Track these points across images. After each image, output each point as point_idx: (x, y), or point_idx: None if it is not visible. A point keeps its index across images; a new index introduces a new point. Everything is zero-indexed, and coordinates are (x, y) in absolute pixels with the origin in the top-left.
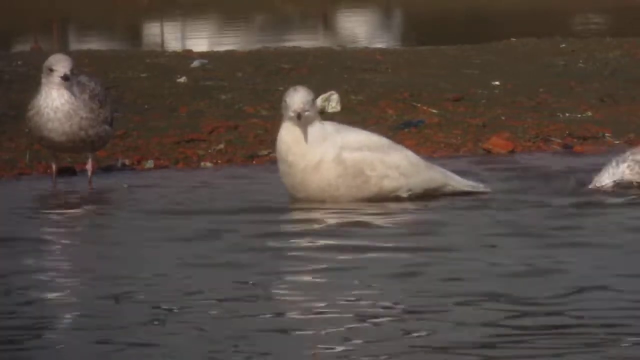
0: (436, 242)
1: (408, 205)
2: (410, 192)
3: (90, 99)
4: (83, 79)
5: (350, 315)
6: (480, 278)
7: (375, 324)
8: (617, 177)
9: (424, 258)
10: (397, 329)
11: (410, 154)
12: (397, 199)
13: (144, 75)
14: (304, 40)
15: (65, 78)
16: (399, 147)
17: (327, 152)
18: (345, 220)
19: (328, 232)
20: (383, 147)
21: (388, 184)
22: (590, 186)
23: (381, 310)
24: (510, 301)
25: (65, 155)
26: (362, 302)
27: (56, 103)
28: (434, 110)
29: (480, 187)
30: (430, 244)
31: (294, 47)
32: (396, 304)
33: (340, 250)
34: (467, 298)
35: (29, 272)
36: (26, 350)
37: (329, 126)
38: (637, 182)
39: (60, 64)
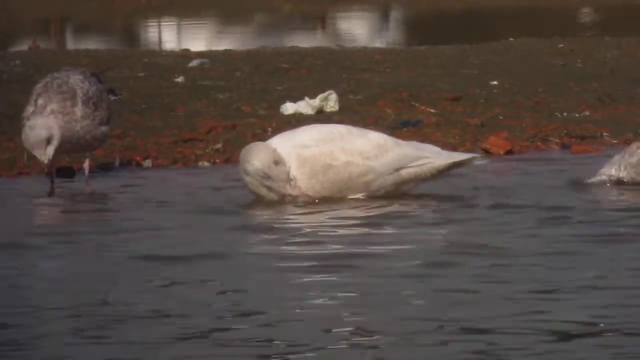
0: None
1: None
2: (384, 179)
3: (84, 105)
4: (76, 79)
5: None
6: None
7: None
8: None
9: None
10: None
11: (374, 135)
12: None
13: (141, 74)
14: (302, 40)
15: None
16: (362, 131)
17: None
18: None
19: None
20: (342, 135)
21: (355, 170)
22: (588, 181)
23: None
24: None
25: (63, 155)
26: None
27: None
28: (432, 110)
29: (466, 156)
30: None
31: (293, 46)
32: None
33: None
34: None
35: (26, 271)
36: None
37: (281, 152)
38: (630, 181)
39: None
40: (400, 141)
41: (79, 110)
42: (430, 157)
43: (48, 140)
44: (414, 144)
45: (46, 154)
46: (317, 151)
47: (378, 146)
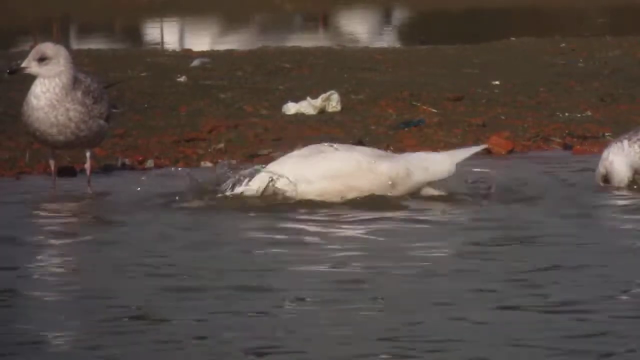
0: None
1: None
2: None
3: (84, 95)
4: (80, 75)
5: None
6: None
7: None
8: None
9: None
10: None
11: (386, 168)
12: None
13: (143, 74)
14: (304, 40)
15: (9, 72)
16: (371, 165)
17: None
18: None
19: None
20: (350, 173)
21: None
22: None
23: None
24: None
25: (65, 155)
26: None
27: (37, 90)
28: (434, 110)
29: (471, 152)
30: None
31: (294, 46)
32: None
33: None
34: None
35: (27, 271)
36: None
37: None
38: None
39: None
40: (411, 166)
41: (79, 94)
42: (437, 171)
43: (41, 59)
44: (421, 159)
45: (18, 64)
46: (321, 189)
47: (389, 179)
